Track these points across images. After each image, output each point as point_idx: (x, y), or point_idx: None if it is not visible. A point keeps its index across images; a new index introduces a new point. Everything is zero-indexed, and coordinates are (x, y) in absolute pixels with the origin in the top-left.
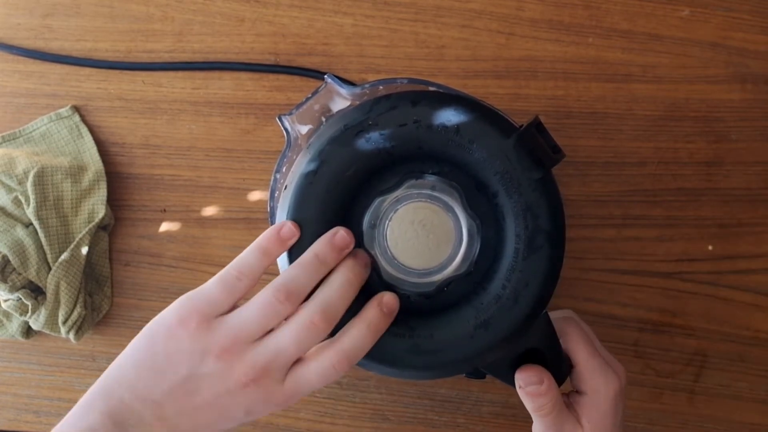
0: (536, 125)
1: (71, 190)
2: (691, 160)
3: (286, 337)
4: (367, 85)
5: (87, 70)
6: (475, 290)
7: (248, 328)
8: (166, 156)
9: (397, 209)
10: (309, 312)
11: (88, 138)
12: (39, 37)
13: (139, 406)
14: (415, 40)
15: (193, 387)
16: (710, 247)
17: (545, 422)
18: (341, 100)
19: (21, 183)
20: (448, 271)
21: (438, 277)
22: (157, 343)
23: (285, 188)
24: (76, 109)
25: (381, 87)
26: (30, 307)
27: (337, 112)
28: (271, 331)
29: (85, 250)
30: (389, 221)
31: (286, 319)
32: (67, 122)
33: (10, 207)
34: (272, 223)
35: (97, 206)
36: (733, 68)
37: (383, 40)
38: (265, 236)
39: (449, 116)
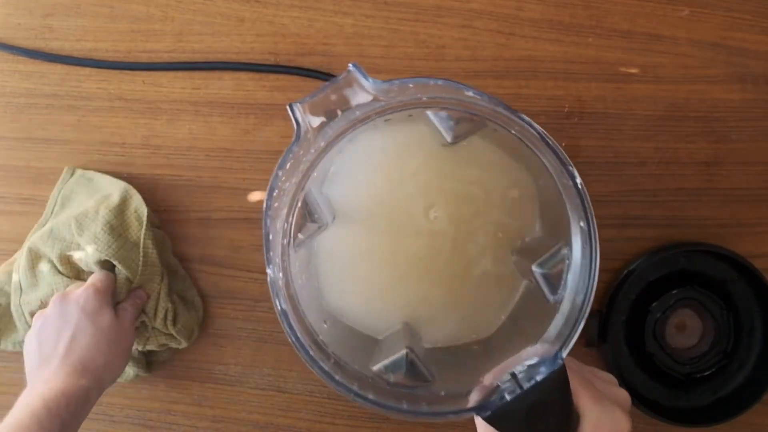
0: None
1: (107, 213)
2: (691, 160)
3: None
4: (396, 82)
5: (87, 70)
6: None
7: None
8: (166, 156)
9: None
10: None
11: (96, 176)
12: (39, 37)
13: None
14: (415, 40)
15: (70, 331)
16: None
17: None
18: (363, 94)
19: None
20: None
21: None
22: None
23: None
24: (72, 169)
25: (411, 85)
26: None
27: (357, 106)
28: None
29: (154, 252)
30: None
31: None
32: (73, 182)
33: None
34: (265, 219)
35: (139, 208)
36: (733, 68)
37: (383, 40)
38: None
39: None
